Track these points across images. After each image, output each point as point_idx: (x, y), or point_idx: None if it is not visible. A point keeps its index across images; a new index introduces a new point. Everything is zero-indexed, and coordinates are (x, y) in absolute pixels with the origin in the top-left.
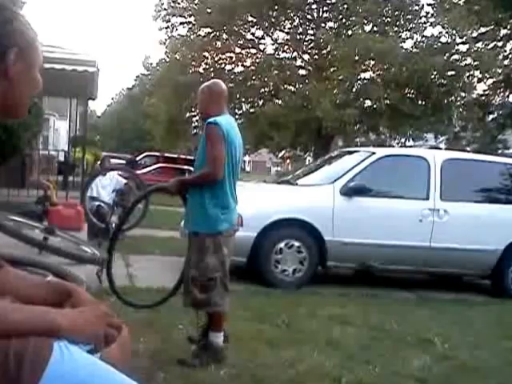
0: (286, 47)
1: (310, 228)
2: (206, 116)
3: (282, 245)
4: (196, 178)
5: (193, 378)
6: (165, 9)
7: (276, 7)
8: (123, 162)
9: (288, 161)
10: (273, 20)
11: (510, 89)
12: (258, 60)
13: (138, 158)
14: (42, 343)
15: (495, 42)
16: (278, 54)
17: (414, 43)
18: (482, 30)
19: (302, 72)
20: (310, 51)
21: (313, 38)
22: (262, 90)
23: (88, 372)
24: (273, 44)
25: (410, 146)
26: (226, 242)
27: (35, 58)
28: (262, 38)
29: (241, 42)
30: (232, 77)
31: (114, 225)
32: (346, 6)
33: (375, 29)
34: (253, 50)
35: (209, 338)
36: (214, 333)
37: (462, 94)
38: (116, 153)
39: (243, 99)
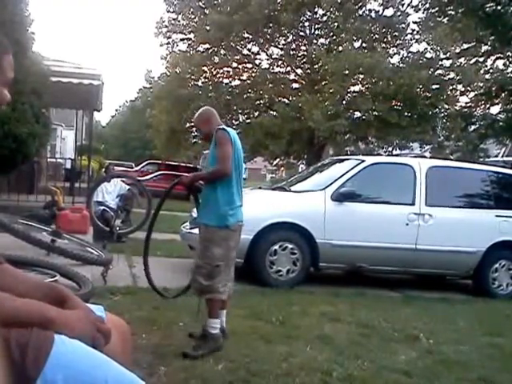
0: (280, 62)
1: (302, 231)
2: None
3: (276, 247)
4: (208, 174)
5: (192, 371)
6: (166, 26)
7: (271, 25)
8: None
9: (282, 168)
10: (268, 37)
11: (490, 101)
12: (253, 74)
13: (139, 166)
14: (44, 335)
15: (477, 58)
16: (273, 69)
17: (401, 58)
18: (465, 46)
19: (295, 85)
20: (302, 66)
21: (305, 53)
22: (258, 102)
23: (89, 363)
24: (268, 59)
25: (397, 155)
26: (232, 235)
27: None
28: (258, 53)
29: (237, 57)
30: (229, 90)
31: (118, 228)
32: (336, 24)
33: (364, 45)
34: (249, 65)
35: (207, 325)
36: (211, 319)
37: (446, 106)
38: (119, 161)
39: (240, 111)
